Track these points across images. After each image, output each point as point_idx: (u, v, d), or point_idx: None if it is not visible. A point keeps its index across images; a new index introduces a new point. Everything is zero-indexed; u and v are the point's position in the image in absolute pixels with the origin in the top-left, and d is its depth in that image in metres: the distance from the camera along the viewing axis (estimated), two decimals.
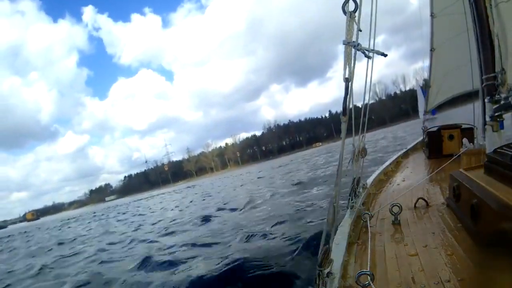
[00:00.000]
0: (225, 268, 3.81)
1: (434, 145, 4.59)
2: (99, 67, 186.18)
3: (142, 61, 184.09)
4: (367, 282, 1.13)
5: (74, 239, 12.14)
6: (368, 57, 1.51)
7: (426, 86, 5.85)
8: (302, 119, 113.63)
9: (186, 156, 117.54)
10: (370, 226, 1.88)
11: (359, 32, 1.44)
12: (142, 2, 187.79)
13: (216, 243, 5.47)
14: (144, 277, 4.45)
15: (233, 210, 9.35)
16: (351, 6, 1.39)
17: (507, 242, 1.21)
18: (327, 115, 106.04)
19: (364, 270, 1.18)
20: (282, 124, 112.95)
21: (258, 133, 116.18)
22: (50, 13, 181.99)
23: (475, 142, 3.57)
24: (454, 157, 3.37)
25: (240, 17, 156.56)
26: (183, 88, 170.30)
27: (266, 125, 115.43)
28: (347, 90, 1.41)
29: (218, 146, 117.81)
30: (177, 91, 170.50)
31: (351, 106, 1.48)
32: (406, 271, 1.35)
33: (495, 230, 1.29)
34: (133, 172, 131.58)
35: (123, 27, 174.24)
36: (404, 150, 5.71)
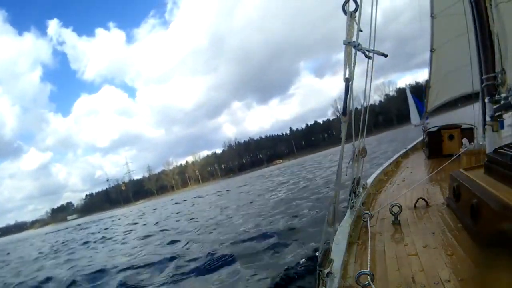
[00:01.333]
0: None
1: (434, 145, 4.59)
2: (63, 82, 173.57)
3: (105, 77, 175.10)
4: (367, 282, 1.12)
5: None
6: (368, 57, 1.51)
7: (426, 87, 5.85)
8: (263, 136, 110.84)
9: (147, 174, 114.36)
10: (370, 226, 1.88)
11: (357, 32, 1.44)
12: (106, 16, 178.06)
13: None
14: None
15: None
16: (351, 6, 1.40)
17: (507, 242, 1.21)
18: (288, 132, 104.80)
19: (364, 270, 1.18)
20: (242, 141, 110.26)
21: (219, 150, 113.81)
22: (15, 25, 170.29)
23: (475, 142, 3.57)
24: (454, 157, 3.37)
25: (203, 33, 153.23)
26: (146, 105, 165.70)
27: (227, 142, 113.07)
28: (347, 90, 1.41)
29: (179, 164, 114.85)
30: (140, 108, 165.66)
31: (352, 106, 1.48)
32: (406, 271, 1.34)
33: (495, 230, 1.29)
34: (96, 190, 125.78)
35: (88, 42, 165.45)
36: (404, 150, 5.71)
